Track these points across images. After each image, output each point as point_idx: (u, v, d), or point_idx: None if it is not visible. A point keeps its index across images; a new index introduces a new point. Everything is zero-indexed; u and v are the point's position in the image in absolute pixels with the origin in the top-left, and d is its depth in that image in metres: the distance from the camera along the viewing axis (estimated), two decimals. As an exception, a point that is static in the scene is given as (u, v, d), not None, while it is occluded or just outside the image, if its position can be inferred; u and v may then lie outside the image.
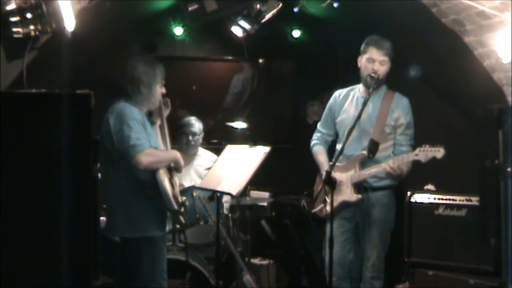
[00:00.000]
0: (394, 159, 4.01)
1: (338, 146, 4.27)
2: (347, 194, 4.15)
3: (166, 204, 3.57)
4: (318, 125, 4.54)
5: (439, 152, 3.82)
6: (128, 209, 3.58)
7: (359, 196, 4.12)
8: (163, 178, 3.55)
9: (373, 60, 4.11)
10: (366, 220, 4.16)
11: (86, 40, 4.40)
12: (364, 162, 4.14)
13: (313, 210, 4.31)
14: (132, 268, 3.60)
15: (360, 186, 4.14)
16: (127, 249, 3.63)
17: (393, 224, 4.22)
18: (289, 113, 6.71)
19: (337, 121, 4.36)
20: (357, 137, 4.19)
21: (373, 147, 4.12)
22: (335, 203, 4.08)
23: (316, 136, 4.51)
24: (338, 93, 4.43)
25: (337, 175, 4.11)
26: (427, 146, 3.86)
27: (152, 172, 3.55)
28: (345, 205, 4.18)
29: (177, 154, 3.77)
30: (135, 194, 3.59)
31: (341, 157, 4.12)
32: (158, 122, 3.86)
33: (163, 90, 3.81)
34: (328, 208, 3.93)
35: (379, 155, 4.13)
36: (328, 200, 3.83)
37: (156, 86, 3.73)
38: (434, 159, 3.84)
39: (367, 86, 4.14)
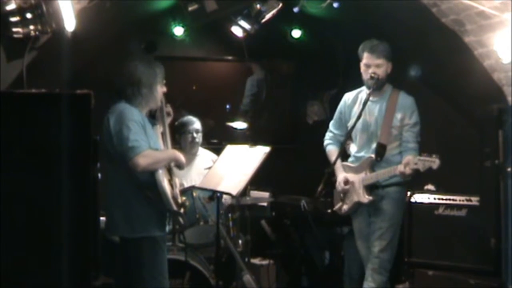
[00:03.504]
0: (409, 162, 3.96)
1: (352, 149, 4.40)
2: (359, 195, 4.22)
3: (165, 205, 3.57)
4: (330, 125, 4.59)
5: (434, 163, 3.85)
6: (128, 209, 3.57)
7: (371, 197, 4.17)
8: (162, 178, 3.55)
9: (369, 65, 4.20)
10: (375, 213, 4.21)
11: (86, 40, 4.40)
12: (373, 165, 4.21)
13: (334, 209, 4.43)
14: (133, 268, 3.60)
15: (372, 189, 4.21)
16: (127, 249, 3.63)
17: (401, 221, 4.24)
18: (289, 113, 6.71)
19: (349, 125, 4.40)
20: (366, 140, 4.29)
21: (381, 150, 4.18)
22: (350, 204, 4.28)
23: (328, 136, 4.57)
24: (347, 97, 4.48)
25: (350, 176, 4.26)
26: (425, 155, 3.89)
27: (151, 173, 3.55)
28: (358, 205, 4.26)
29: (175, 153, 3.77)
30: (135, 194, 3.58)
31: (353, 159, 4.34)
32: (161, 129, 3.85)
33: (164, 89, 3.80)
34: (345, 207, 4.28)
35: (388, 154, 4.19)
36: (344, 199, 4.03)
37: (156, 86, 3.71)
38: (431, 169, 3.86)
39: (368, 88, 4.20)
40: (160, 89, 3.75)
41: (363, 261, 4.33)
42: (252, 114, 6.44)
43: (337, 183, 4.36)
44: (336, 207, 4.41)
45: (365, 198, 4.19)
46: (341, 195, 4.31)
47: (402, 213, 4.25)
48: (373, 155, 4.20)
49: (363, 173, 4.23)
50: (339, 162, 4.34)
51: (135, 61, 3.72)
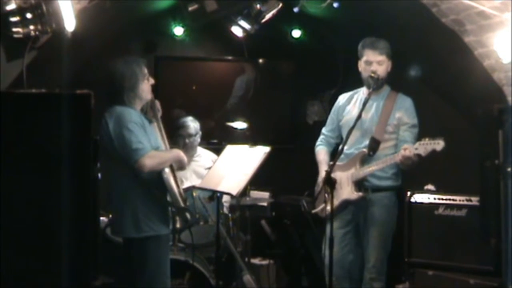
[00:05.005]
0: (408, 147, 3.88)
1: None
2: (347, 192, 4.13)
3: (173, 202, 3.59)
4: (323, 128, 4.55)
5: (438, 145, 3.77)
6: (134, 209, 3.58)
7: (360, 194, 4.09)
8: (169, 176, 3.57)
9: (370, 62, 4.13)
10: (366, 221, 4.15)
11: (86, 40, 4.40)
12: (365, 160, 4.12)
13: (314, 211, 4.31)
14: (137, 268, 3.60)
15: (361, 186, 4.14)
16: (132, 249, 3.63)
17: (394, 226, 4.19)
18: (289, 113, 6.71)
19: (341, 123, 4.37)
20: (359, 137, 4.19)
21: (374, 145, 4.11)
22: (336, 202, 4.07)
23: (320, 138, 4.53)
24: (343, 96, 4.44)
25: (337, 174, 4.09)
26: (427, 139, 3.83)
27: (157, 171, 3.56)
28: (346, 204, 4.16)
29: (179, 153, 3.77)
30: (140, 193, 3.58)
31: (343, 157, 4.11)
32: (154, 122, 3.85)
33: (152, 81, 3.75)
34: (328, 208, 3.92)
35: (380, 153, 4.11)
36: (328, 199, 3.82)
37: (139, 85, 3.66)
38: (434, 152, 3.79)
39: (368, 88, 4.14)
40: (145, 85, 3.70)
41: (324, 265, 4.17)
42: (236, 111, 6.41)
43: (317, 182, 4.32)
44: (318, 208, 4.26)
45: (354, 195, 4.09)
46: (326, 195, 3.89)
47: (395, 218, 4.20)
48: (365, 150, 4.11)
49: (353, 169, 4.13)
50: (324, 161, 4.31)
51: (112, 68, 3.66)
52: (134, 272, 3.61)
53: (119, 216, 3.64)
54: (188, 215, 3.77)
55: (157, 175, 3.56)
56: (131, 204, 3.58)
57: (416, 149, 3.84)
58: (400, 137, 4.14)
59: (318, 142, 4.52)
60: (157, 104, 3.89)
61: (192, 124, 5.13)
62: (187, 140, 5.08)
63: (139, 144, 3.47)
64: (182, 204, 3.62)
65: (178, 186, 3.67)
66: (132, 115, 3.57)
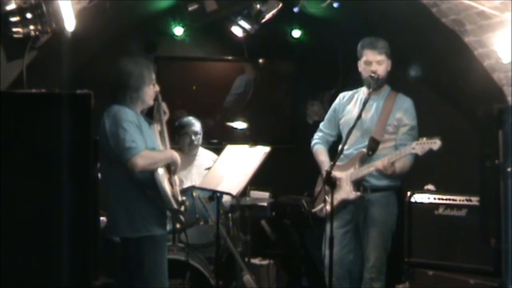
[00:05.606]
0: (390, 156, 3.96)
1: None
2: (346, 192, 4.13)
3: (166, 204, 3.58)
4: (321, 125, 4.53)
5: (435, 144, 3.78)
6: (129, 209, 3.57)
7: (358, 193, 4.09)
8: (162, 178, 3.55)
9: (370, 62, 4.13)
10: (366, 221, 4.15)
11: (86, 40, 4.40)
12: (364, 160, 4.12)
13: (313, 210, 4.31)
14: (134, 268, 3.60)
15: (359, 185, 4.14)
16: (128, 249, 3.63)
17: (394, 226, 4.19)
18: (289, 113, 6.71)
19: (341, 122, 4.36)
20: (359, 137, 4.19)
21: (373, 145, 4.11)
22: (335, 202, 4.04)
23: (317, 135, 4.50)
24: (343, 95, 4.43)
25: (337, 174, 4.08)
26: (424, 139, 3.84)
27: (151, 172, 3.55)
28: (344, 203, 4.16)
29: (173, 154, 3.75)
30: (136, 194, 3.58)
31: (342, 157, 4.10)
32: (158, 128, 3.84)
33: (157, 88, 3.75)
34: (328, 207, 3.93)
35: (379, 153, 4.10)
36: (328, 199, 3.82)
37: (144, 88, 3.65)
38: (431, 151, 3.80)
39: (369, 87, 4.14)
40: (150, 90, 3.70)
41: (324, 265, 4.19)
42: (236, 111, 6.41)
43: (318, 182, 4.30)
44: (317, 208, 4.25)
45: (353, 194, 4.09)
46: (326, 196, 3.92)
47: (395, 218, 4.20)
48: (364, 150, 4.11)
49: (352, 169, 4.13)
50: (326, 161, 4.30)
51: (121, 64, 3.67)
52: (132, 272, 3.60)
53: (114, 216, 3.64)
54: (182, 218, 3.75)
55: (151, 175, 3.55)
56: (127, 203, 3.58)
57: (413, 148, 3.86)
58: (399, 140, 4.15)
59: (315, 140, 4.49)
60: (164, 106, 3.89)
61: (197, 123, 5.16)
62: (193, 138, 5.09)
63: (132, 143, 3.46)
64: (174, 206, 3.58)
65: (172, 187, 3.65)
66: (129, 115, 3.57)
